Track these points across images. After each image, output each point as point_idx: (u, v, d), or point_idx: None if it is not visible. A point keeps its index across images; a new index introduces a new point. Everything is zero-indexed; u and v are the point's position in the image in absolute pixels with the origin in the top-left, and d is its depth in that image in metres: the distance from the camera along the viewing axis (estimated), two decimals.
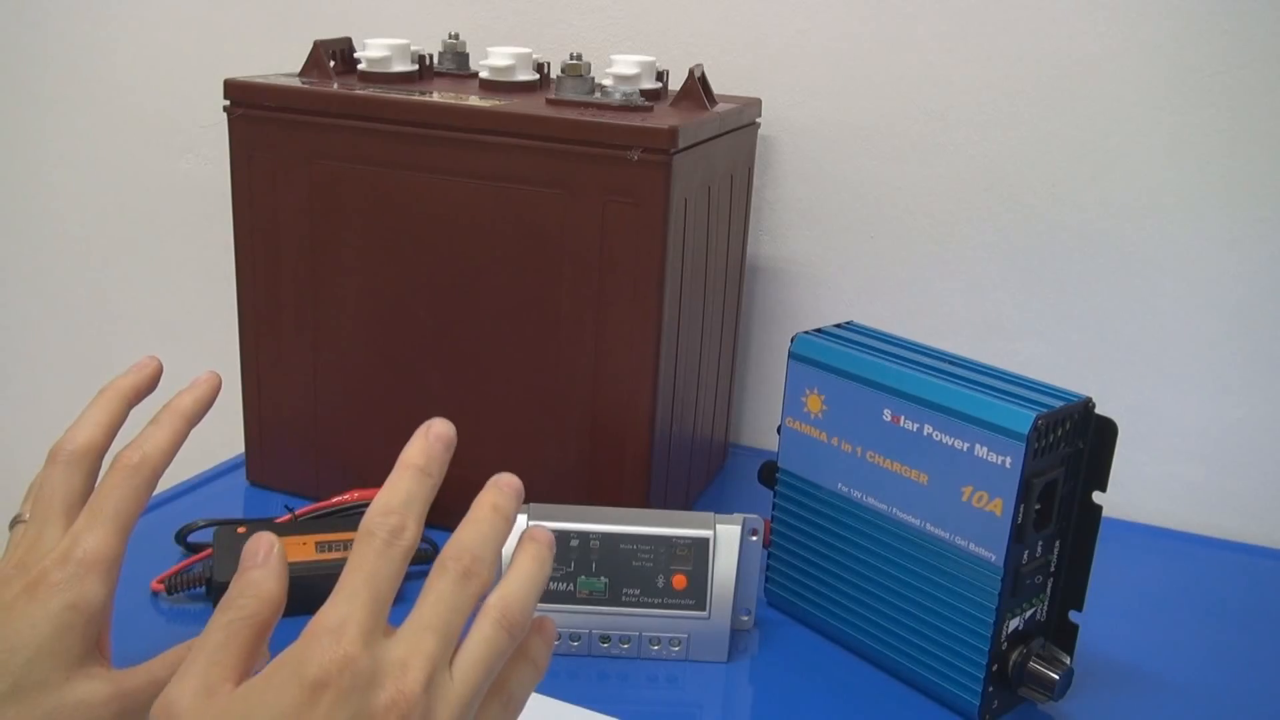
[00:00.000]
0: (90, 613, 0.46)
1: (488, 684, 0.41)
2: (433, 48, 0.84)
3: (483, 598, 0.42)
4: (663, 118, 0.69)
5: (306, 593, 0.66)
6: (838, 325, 0.69)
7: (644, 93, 0.75)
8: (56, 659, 0.45)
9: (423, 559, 0.74)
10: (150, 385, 0.55)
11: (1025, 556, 0.59)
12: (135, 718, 0.47)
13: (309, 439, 0.80)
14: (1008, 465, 0.57)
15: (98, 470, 0.51)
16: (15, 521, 0.50)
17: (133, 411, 0.55)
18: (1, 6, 1.14)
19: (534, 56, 0.80)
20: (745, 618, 0.68)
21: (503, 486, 0.43)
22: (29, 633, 0.45)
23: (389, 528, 0.40)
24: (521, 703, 0.43)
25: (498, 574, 0.42)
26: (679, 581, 0.64)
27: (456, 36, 0.85)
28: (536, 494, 0.70)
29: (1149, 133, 0.81)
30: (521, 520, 0.64)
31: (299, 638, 0.39)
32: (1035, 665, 0.60)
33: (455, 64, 0.84)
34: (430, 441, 0.42)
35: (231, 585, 0.41)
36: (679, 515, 0.66)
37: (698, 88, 0.75)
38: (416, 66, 0.79)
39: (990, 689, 0.61)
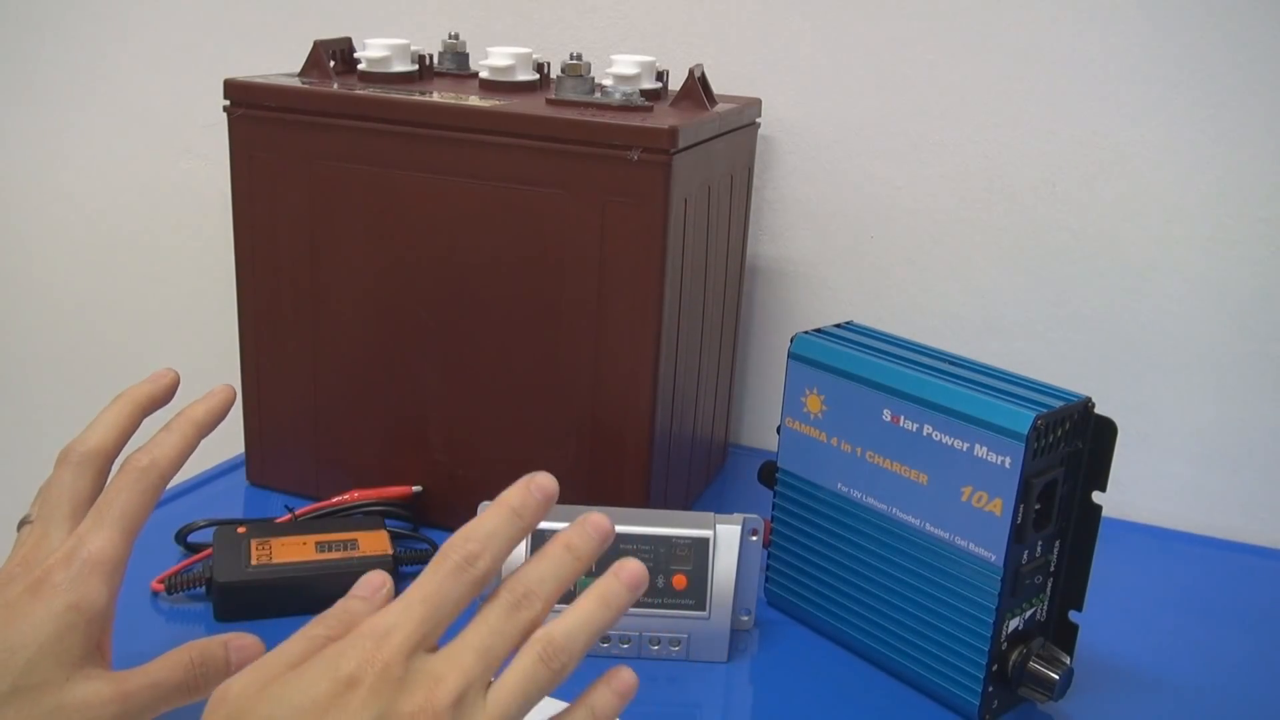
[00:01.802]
0: (92, 613, 0.46)
1: (521, 716, 0.40)
2: (433, 48, 0.84)
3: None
4: (663, 118, 0.69)
5: (306, 593, 0.67)
6: (838, 325, 0.69)
7: (644, 93, 0.75)
8: (58, 659, 0.45)
9: (424, 559, 0.75)
10: (166, 397, 0.55)
11: (1025, 556, 0.59)
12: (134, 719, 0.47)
13: (309, 439, 0.80)
14: (1007, 465, 0.57)
15: (107, 474, 0.52)
16: (23, 522, 0.51)
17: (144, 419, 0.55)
18: (2, 6, 1.14)
19: (534, 56, 0.80)
20: (745, 618, 0.68)
21: (587, 528, 0.43)
22: (31, 632, 0.45)
23: (465, 554, 0.41)
24: None
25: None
26: (679, 581, 0.64)
27: (456, 36, 0.85)
28: None
29: (1148, 133, 0.81)
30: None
31: (348, 635, 0.40)
32: (1035, 665, 0.60)
33: (455, 64, 0.84)
34: (530, 490, 0.43)
35: (336, 605, 0.42)
36: (679, 515, 0.66)
37: (698, 88, 0.75)
38: (416, 66, 0.79)
39: (990, 689, 0.61)
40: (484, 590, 0.42)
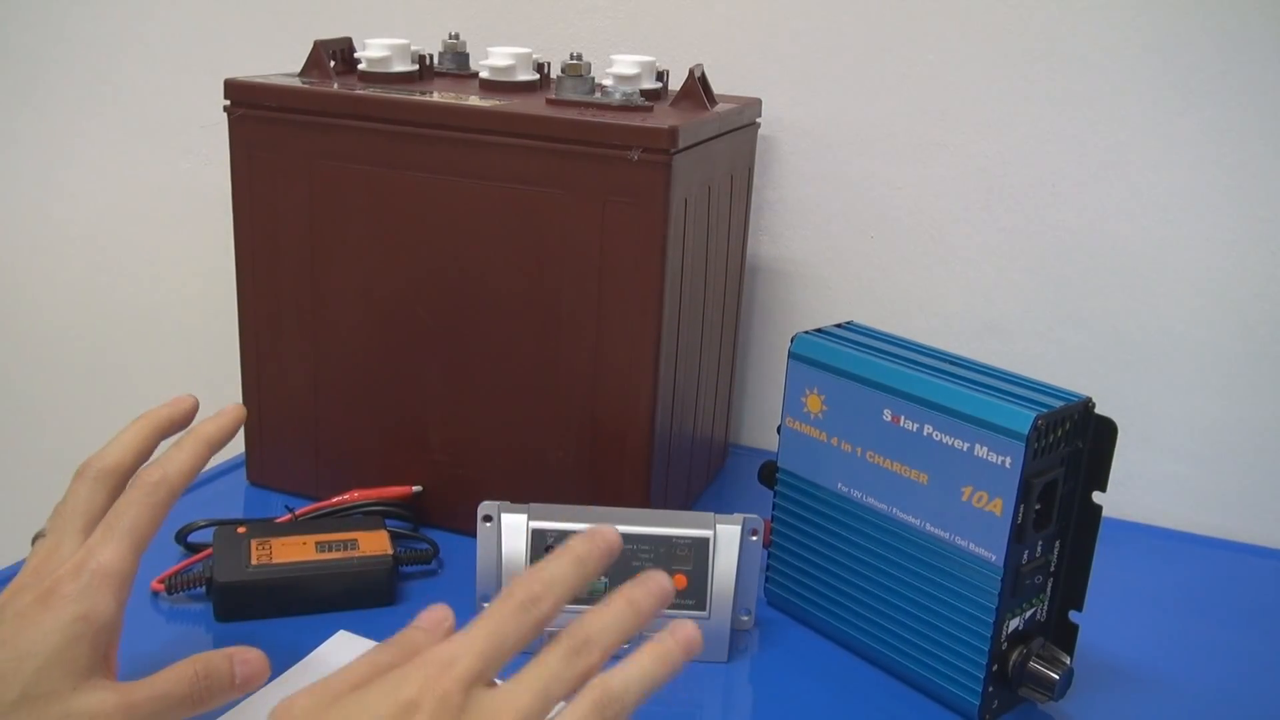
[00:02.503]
0: (100, 624, 0.47)
1: None
2: (433, 48, 0.84)
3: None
4: (663, 118, 0.69)
5: (306, 592, 0.67)
6: (838, 325, 0.69)
7: (644, 93, 0.75)
8: (65, 669, 0.46)
9: (424, 559, 0.75)
10: (185, 421, 0.56)
11: (1025, 556, 0.59)
12: None
13: (309, 439, 0.80)
14: (1008, 465, 0.57)
15: (120, 491, 0.53)
16: (38, 536, 0.52)
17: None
18: (2, 6, 1.14)
19: (534, 56, 0.80)
20: (745, 618, 0.68)
21: (649, 585, 0.45)
22: (40, 642, 0.45)
23: (530, 594, 0.43)
24: None
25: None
26: (679, 581, 0.64)
27: (456, 36, 0.85)
28: (537, 494, 0.70)
29: (1149, 133, 0.81)
30: (520, 520, 0.64)
31: (411, 661, 0.41)
32: (1035, 665, 0.60)
33: (455, 64, 0.84)
34: (595, 541, 0.45)
35: (399, 634, 0.44)
36: (679, 515, 0.66)
37: (698, 88, 0.75)
38: (416, 66, 0.79)
39: (990, 689, 0.61)
40: (543, 633, 0.43)
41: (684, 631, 0.44)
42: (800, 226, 0.92)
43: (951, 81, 0.85)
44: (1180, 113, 0.80)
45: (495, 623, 0.42)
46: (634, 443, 0.72)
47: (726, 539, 0.64)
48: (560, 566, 0.44)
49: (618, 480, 0.73)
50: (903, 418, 0.61)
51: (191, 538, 0.72)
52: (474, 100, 0.72)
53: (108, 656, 0.48)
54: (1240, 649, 0.71)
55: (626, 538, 0.64)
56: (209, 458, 0.54)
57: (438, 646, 0.41)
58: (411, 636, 0.44)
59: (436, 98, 0.72)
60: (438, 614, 0.46)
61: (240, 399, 0.81)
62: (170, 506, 0.52)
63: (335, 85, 0.74)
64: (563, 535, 0.64)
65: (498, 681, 0.41)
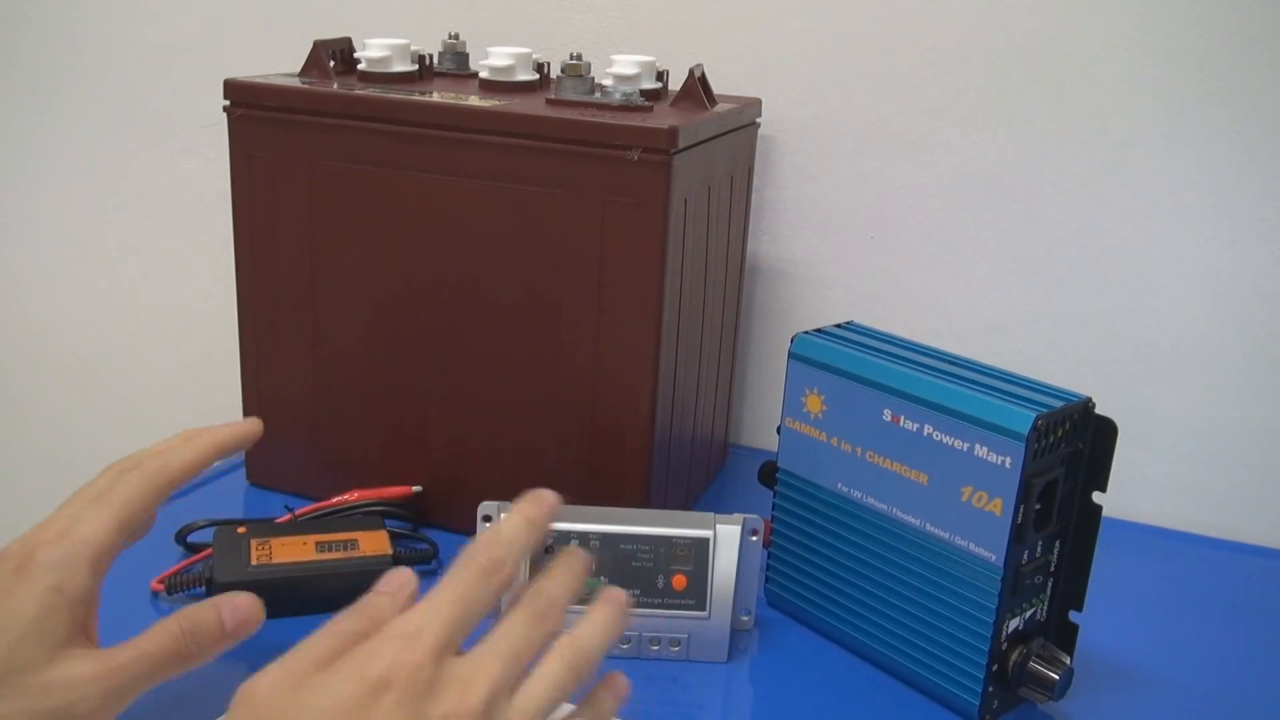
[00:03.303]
0: (74, 596, 0.46)
1: (545, 719, 0.41)
2: (433, 48, 0.85)
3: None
4: (663, 118, 0.69)
5: (306, 593, 0.67)
6: (838, 325, 0.69)
7: (644, 93, 0.75)
8: (40, 640, 0.45)
9: (424, 558, 0.75)
10: (239, 447, 0.56)
11: (1025, 556, 0.59)
12: (124, 694, 0.46)
13: (309, 439, 0.80)
14: (1008, 465, 0.57)
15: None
16: None
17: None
18: (2, 6, 1.14)
19: (534, 56, 0.80)
20: (745, 618, 0.68)
21: (580, 555, 0.47)
22: (13, 614, 0.45)
23: (492, 558, 0.43)
24: None
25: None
26: (679, 582, 0.64)
27: (456, 36, 0.85)
28: None
29: (1149, 132, 0.81)
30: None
31: (373, 636, 0.40)
32: (1035, 665, 0.60)
33: (455, 64, 0.84)
34: (539, 504, 0.46)
35: (361, 600, 0.43)
36: (679, 515, 0.66)
37: (698, 88, 0.75)
38: (416, 66, 0.79)
39: (990, 689, 0.61)
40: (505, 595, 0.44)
41: (617, 590, 0.46)
42: (800, 226, 0.92)
43: (952, 81, 0.85)
44: (1180, 112, 0.80)
45: (460, 589, 0.41)
46: (634, 443, 0.72)
47: (726, 539, 0.64)
48: (514, 529, 0.44)
49: (618, 480, 0.73)
50: (903, 418, 0.61)
51: (191, 538, 0.72)
52: (474, 100, 0.72)
53: (86, 627, 0.47)
54: (1240, 649, 0.71)
55: (626, 538, 0.64)
56: (214, 461, 0.54)
57: (403, 617, 0.40)
58: (375, 603, 0.43)
59: (436, 98, 0.72)
60: (400, 577, 0.44)
61: (240, 399, 0.81)
62: (165, 494, 0.51)
63: (335, 85, 0.74)
64: (563, 535, 0.64)
65: (464, 650, 0.41)
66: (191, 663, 0.48)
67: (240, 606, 0.49)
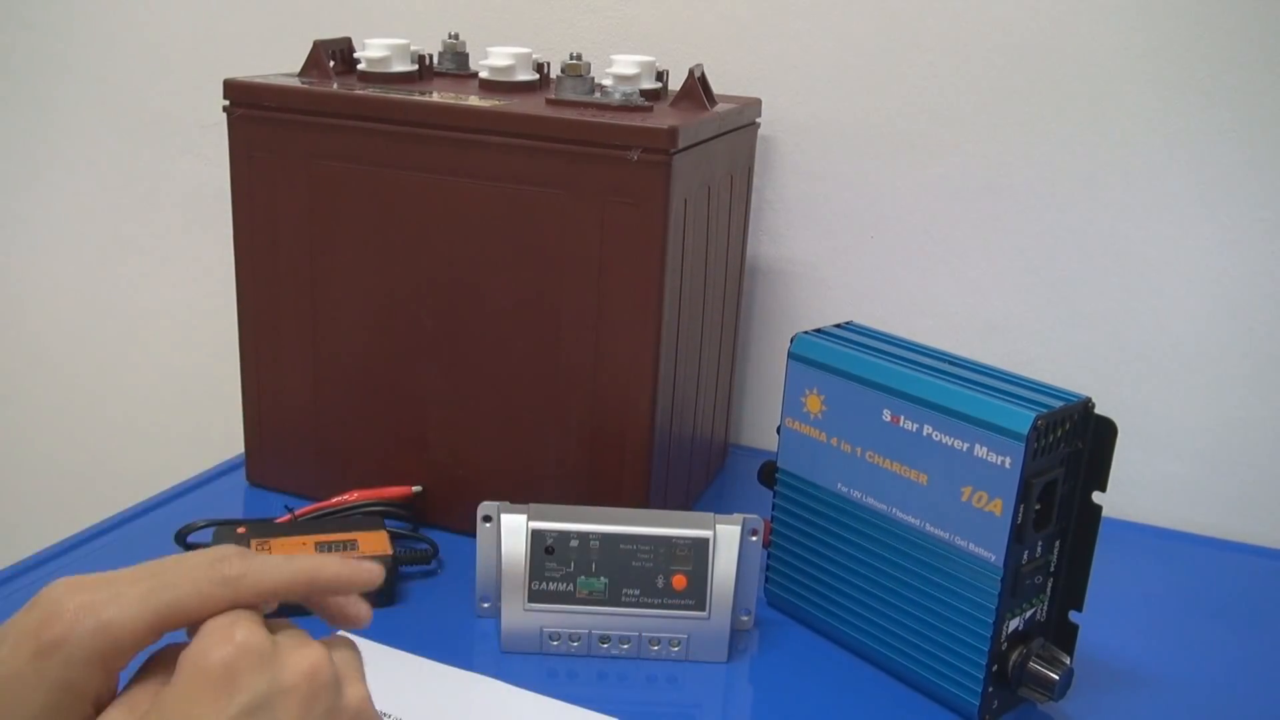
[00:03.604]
0: (85, 693, 0.39)
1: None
2: (433, 48, 0.84)
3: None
4: (663, 118, 0.69)
5: None
6: (838, 325, 0.69)
7: (644, 93, 0.75)
8: None
9: (423, 559, 0.75)
10: (343, 589, 0.45)
11: (1025, 556, 0.59)
12: None
13: (309, 439, 0.80)
14: (1007, 465, 0.57)
15: (228, 605, 0.42)
16: None
17: None
18: (2, 6, 1.14)
19: (534, 56, 0.80)
20: (745, 618, 0.68)
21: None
22: (25, 702, 0.39)
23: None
24: None
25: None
26: (679, 582, 0.64)
27: (456, 36, 0.85)
28: (536, 494, 0.70)
29: (1149, 132, 0.81)
30: (520, 520, 0.64)
31: (191, 642, 0.39)
32: (1035, 665, 0.60)
33: (455, 64, 0.84)
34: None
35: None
36: (679, 515, 0.66)
37: (698, 88, 0.75)
38: (416, 66, 0.79)
39: (990, 689, 0.61)
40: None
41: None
42: (800, 226, 0.92)
43: (951, 82, 0.85)
44: (1180, 112, 0.80)
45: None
46: (634, 443, 0.72)
47: (726, 539, 0.64)
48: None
49: (618, 480, 0.73)
50: (902, 418, 0.61)
51: (191, 538, 0.72)
52: (474, 100, 0.72)
53: (99, 701, 0.40)
54: (1240, 649, 0.71)
55: (626, 538, 0.64)
56: (307, 595, 0.44)
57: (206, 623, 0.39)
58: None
59: (436, 98, 0.72)
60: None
61: (240, 399, 0.81)
62: (226, 607, 0.41)
63: (335, 85, 0.74)
64: (562, 535, 0.64)
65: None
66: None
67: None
